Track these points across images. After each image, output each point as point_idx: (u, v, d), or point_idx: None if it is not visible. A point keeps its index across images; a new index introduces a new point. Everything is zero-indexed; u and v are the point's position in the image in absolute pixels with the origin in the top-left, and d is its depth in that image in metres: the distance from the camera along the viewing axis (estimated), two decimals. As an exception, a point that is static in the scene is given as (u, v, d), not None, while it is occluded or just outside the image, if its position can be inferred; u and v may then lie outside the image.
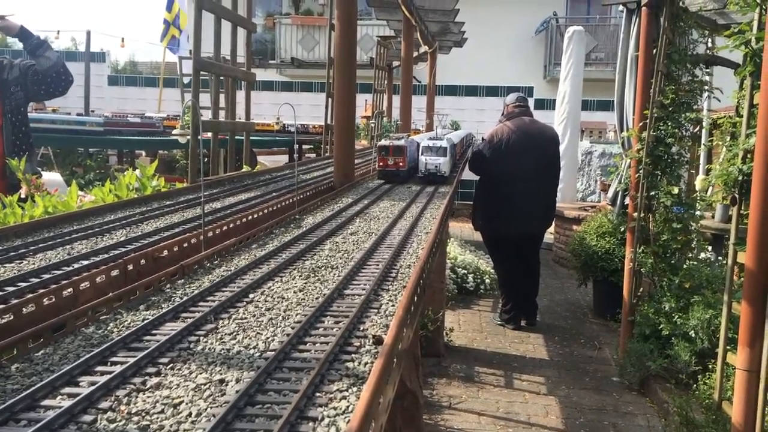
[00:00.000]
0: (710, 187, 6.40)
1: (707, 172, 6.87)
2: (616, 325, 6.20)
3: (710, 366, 4.26)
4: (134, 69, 23.89)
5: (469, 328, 6.56)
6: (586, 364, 5.74)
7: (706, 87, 5.64)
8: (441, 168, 5.17)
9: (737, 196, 3.85)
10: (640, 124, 5.36)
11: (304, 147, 14.05)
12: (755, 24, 3.72)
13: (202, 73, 5.18)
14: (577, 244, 6.93)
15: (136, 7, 71.77)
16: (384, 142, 5.40)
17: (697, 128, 6.52)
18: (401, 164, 5.17)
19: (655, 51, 5.23)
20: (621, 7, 6.07)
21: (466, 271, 7.72)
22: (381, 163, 5.24)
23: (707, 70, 5.88)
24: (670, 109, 5.23)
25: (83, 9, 70.35)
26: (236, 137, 6.20)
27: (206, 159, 5.80)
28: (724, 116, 5.07)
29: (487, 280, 7.80)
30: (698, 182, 6.79)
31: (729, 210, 6.20)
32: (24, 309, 1.88)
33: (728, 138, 4.72)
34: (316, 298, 2.09)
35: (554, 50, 16.88)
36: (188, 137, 4.57)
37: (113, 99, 17.11)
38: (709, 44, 6.26)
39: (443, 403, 4.85)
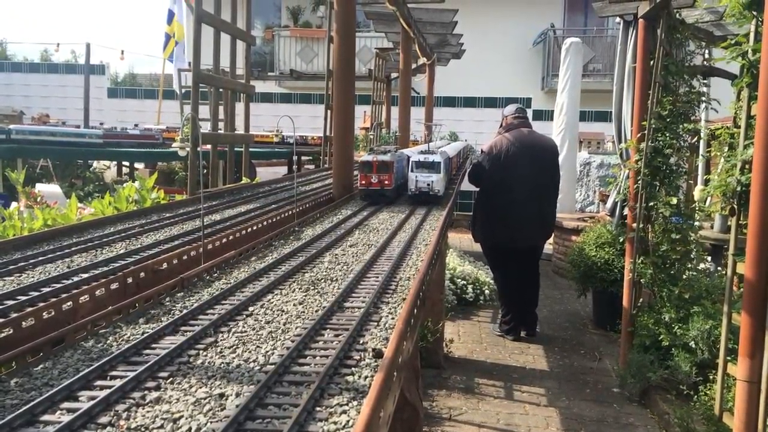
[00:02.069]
0: (708, 198, 6.42)
1: (705, 182, 6.89)
2: (616, 335, 6.18)
3: (711, 377, 4.24)
4: (133, 81, 23.98)
5: (469, 339, 6.54)
6: (587, 375, 5.72)
7: (703, 98, 5.66)
8: (434, 186, 4.61)
9: (736, 206, 3.86)
10: (638, 135, 5.37)
11: (303, 158, 14.09)
12: (752, 35, 3.75)
13: (201, 85, 5.20)
14: (577, 255, 6.92)
15: (135, 20, 72.08)
16: (367, 156, 4.72)
17: (695, 139, 6.54)
18: (387, 182, 4.57)
19: (652, 62, 5.25)
20: (618, 19, 6.10)
21: (465, 282, 7.70)
22: (363, 182, 4.61)
23: (704, 81, 5.90)
24: (668, 120, 5.25)
25: (83, 22, 70.65)
26: (235, 149, 6.22)
27: (205, 171, 5.81)
28: (722, 127, 5.09)
29: (487, 291, 7.79)
30: (697, 193, 6.81)
31: (728, 220, 6.22)
32: (23, 323, 1.88)
33: (726, 149, 4.74)
34: (316, 311, 2.09)
35: (552, 61, 16.93)
36: (188, 149, 4.58)
37: (112, 111, 17.15)
38: (706, 55, 6.30)
39: (443, 414, 4.83)
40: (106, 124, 13.56)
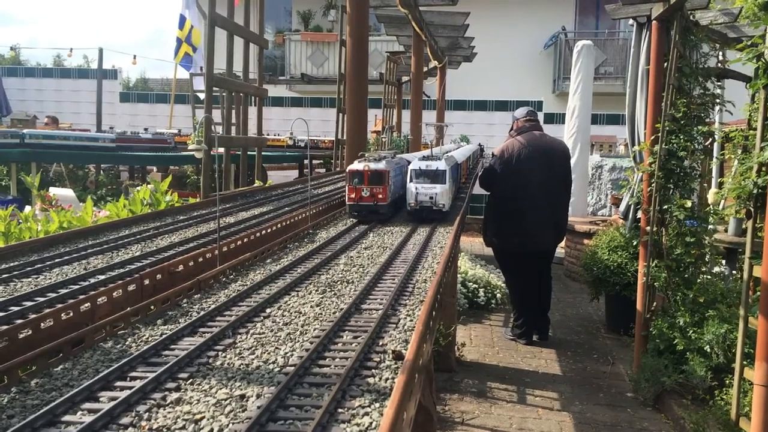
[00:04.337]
0: (722, 201, 6.37)
1: (719, 185, 6.84)
2: (629, 339, 6.14)
3: (727, 381, 4.21)
4: (145, 86, 24.11)
5: (481, 343, 6.52)
6: (600, 379, 5.69)
7: (717, 100, 5.62)
8: (437, 200, 3.89)
9: (752, 209, 3.84)
10: (652, 137, 5.34)
11: (314, 162, 14.11)
12: (767, 37, 3.73)
13: (213, 89, 5.22)
14: (589, 259, 6.89)
15: (147, 25, 72.59)
16: (356, 165, 3.95)
17: (709, 141, 6.50)
18: (381, 196, 3.84)
19: (666, 64, 5.23)
20: (631, 21, 6.08)
21: (477, 286, 7.68)
22: (352, 195, 3.87)
23: (719, 83, 5.87)
24: (682, 122, 5.22)
25: (95, 27, 71.22)
26: (248, 152, 6.24)
27: (216, 174, 5.82)
28: (736, 129, 5.07)
29: (498, 295, 7.76)
30: (711, 196, 6.76)
31: (742, 224, 6.16)
32: (42, 324, 1.88)
33: (740, 151, 4.71)
34: (334, 313, 2.09)
35: (563, 64, 16.90)
36: (205, 150, 4.60)
37: (125, 115, 17.26)
38: (720, 57, 6.26)
39: (456, 419, 4.81)
40: (118, 128, 13.64)
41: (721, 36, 6.04)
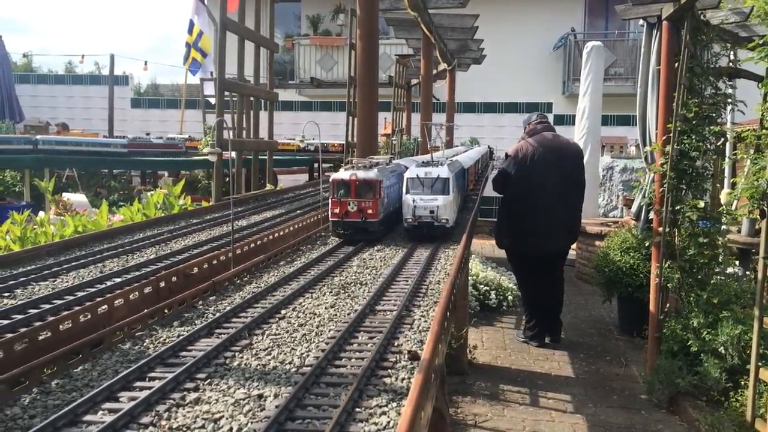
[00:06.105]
0: (735, 201, 6.33)
1: (732, 185, 6.80)
2: (642, 341, 6.11)
3: (742, 383, 4.18)
4: (156, 91, 24.24)
5: (493, 346, 6.50)
6: (613, 381, 5.65)
7: (729, 100, 5.59)
8: (439, 214, 3.32)
9: (765, 209, 3.81)
10: (664, 138, 5.32)
11: (324, 165, 14.14)
12: (781, 36, 3.71)
13: (225, 92, 5.26)
14: (601, 260, 6.85)
15: (157, 31, 73.10)
16: (342, 173, 3.34)
17: (721, 142, 6.46)
18: (370, 212, 3.24)
19: (677, 64, 5.20)
20: (641, 22, 6.05)
21: (488, 288, 7.66)
22: (336, 210, 3.26)
23: (730, 82, 5.83)
24: (694, 122, 5.19)
25: (107, 34, 71.79)
26: (259, 156, 6.26)
27: (227, 179, 5.85)
28: (749, 129, 5.03)
29: (510, 297, 7.74)
30: (723, 196, 6.72)
31: (755, 224, 6.13)
32: (61, 326, 1.90)
33: (753, 151, 4.68)
34: (348, 314, 2.10)
35: (573, 66, 16.84)
36: (220, 153, 4.62)
37: (136, 121, 17.37)
38: (732, 57, 6.22)
39: (468, 421, 4.80)
40: (129, 134, 13.72)
41: (732, 35, 6.01)
